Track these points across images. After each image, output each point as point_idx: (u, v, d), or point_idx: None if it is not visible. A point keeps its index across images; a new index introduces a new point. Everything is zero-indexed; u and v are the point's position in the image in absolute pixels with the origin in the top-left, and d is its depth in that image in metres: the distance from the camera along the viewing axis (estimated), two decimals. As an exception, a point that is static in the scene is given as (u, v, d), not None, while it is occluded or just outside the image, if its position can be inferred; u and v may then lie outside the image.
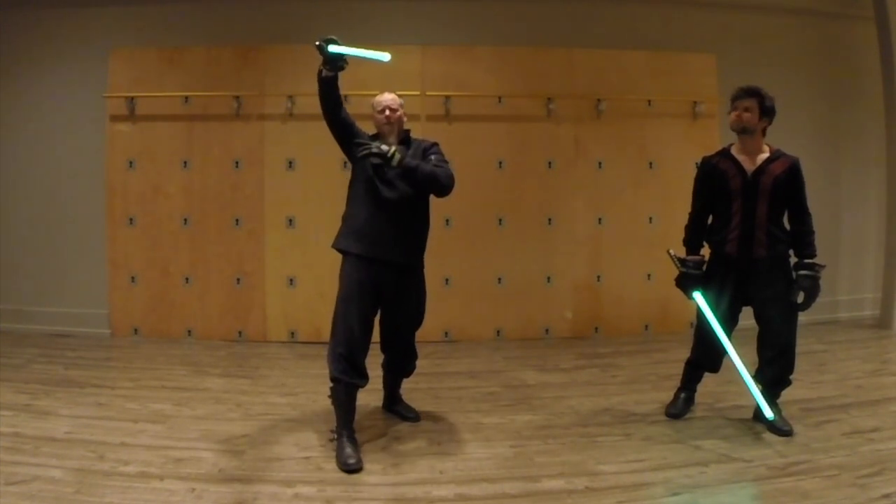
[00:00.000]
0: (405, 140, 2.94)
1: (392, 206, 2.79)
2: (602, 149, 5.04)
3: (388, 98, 2.96)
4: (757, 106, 2.90)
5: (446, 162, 2.92)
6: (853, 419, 3.12)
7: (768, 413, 2.92)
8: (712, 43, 5.16)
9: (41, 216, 5.00)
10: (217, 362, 4.27)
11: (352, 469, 2.58)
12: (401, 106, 2.96)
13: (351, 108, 4.66)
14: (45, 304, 4.98)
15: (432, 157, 2.90)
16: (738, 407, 3.28)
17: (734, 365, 2.93)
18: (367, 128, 3.03)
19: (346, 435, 2.71)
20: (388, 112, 2.91)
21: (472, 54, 4.96)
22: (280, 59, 4.83)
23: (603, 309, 5.09)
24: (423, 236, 2.96)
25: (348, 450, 2.66)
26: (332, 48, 2.65)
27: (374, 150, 2.64)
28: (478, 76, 4.93)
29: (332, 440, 2.80)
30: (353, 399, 2.77)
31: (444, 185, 2.81)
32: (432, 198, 2.93)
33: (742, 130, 2.95)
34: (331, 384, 2.76)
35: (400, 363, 3.14)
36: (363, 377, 2.77)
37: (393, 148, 2.69)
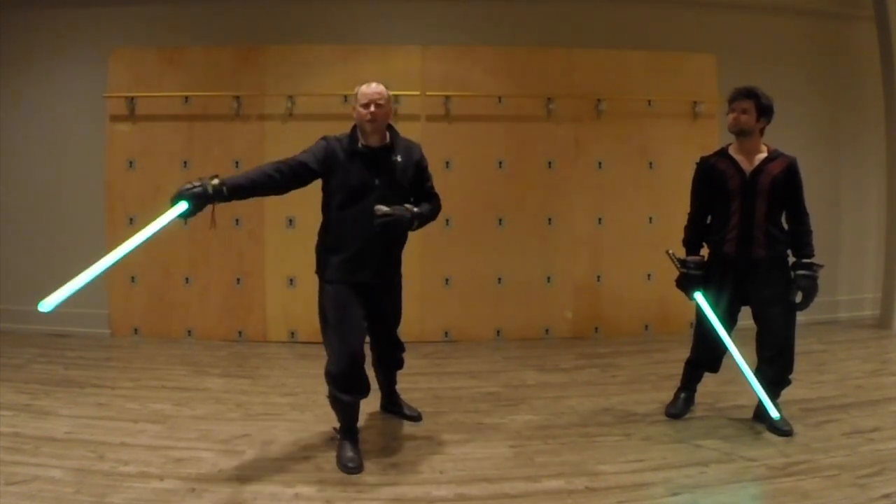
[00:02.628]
0: (391, 143, 2.73)
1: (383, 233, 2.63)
2: (602, 149, 5.04)
3: (374, 90, 2.63)
4: (754, 107, 2.90)
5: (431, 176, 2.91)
6: (853, 419, 3.13)
7: (774, 413, 2.91)
8: (712, 43, 5.16)
9: (41, 216, 4.99)
10: (217, 362, 4.27)
11: (351, 471, 2.58)
12: (388, 100, 2.69)
13: (350, 108, 4.67)
14: (45, 304, 4.97)
15: (427, 182, 2.86)
16: (738, 407, 3.28)
17: (738, 365, 2.93)
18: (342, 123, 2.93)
19: (349, 437, 2.71)
20: (373, 108, 2.60)
21: (472, 54, 4.96)
22: (280, 59, 4.83)
23: (603, 309, 5.09)
24: (402, 248, 2.90)
25: (349, 452, 2.65)
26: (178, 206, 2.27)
27: (394, 218, 2.54)
28: (478, 76, 4.93)
29: (333, 438, 2.80)
30: (356, 410, 2.73)
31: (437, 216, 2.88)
32: None
33: (740, 132, 2.95)
34: (329, 396, 2.71)
35: (390, 356, 3.10)
36: (365, 390, 2.71)
37: (408, 212, 2.60)
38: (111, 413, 3.23)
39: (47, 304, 1.97)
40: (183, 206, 2.24)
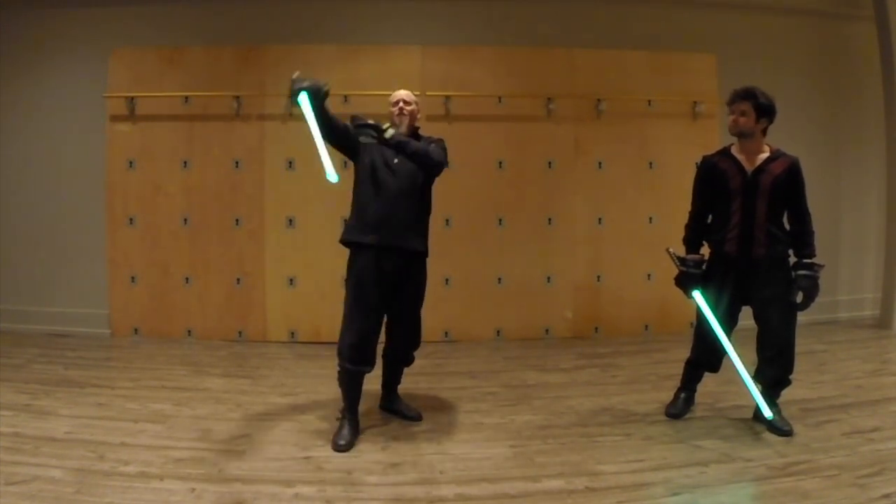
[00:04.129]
0: (415, 135, 3.06)
1: (398, 194, 2.89)
2: (602, 149, 5.04)
3: (402, 92, 3.11)
4: (752, 108, 2.89)
5: (444, 149, 3.05)
6: (853, 419, 3.12)
7: (767, 413, 2.93)
8: (712, 43, 5.16)
9: (41, 216, 4.99)
10: (217, 362, 4.27)
11: (339, 449, 2.75)
12: (415, 102, 3.09)
13: (351, 108, 4.69)
14: (45, 304, 4.98)
15: (431, 143, 3.05)
16: (738, 407, 3.28)
17: (734, 365, 2.93)
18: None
19: (348, 417, 2.88)
20: (401, 104, 3.04)
21: (472, 54, 4.96)
22: (280, 59, 4.83)
23: (603, 309, 5.09)
24: (427, 222, 3.06)
25: (344, 430, 2.83)
26: (302, 100, 2.71)
27: (370, 123, 2.87)
28: (478, 76, 4.93)
29: (338, 419, 2.94)
30: (358, 385, 2.92)
31: (434, 161, 2.95)
32: (433, 196, 3.04)
33: (740, 134, 2.95)
34: (339, 371, 2.90)
35: (403, 349, 3.13)
36: (370, 364, 2.90)
37: (387, 125, 2.91)
38: (111, 413, 3.23)
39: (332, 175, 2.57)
40: (305, 97, 2.71)
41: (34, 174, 4.98)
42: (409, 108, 3.04)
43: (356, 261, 2.92)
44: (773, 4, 5.33)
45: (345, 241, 2.95)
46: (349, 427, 2.86)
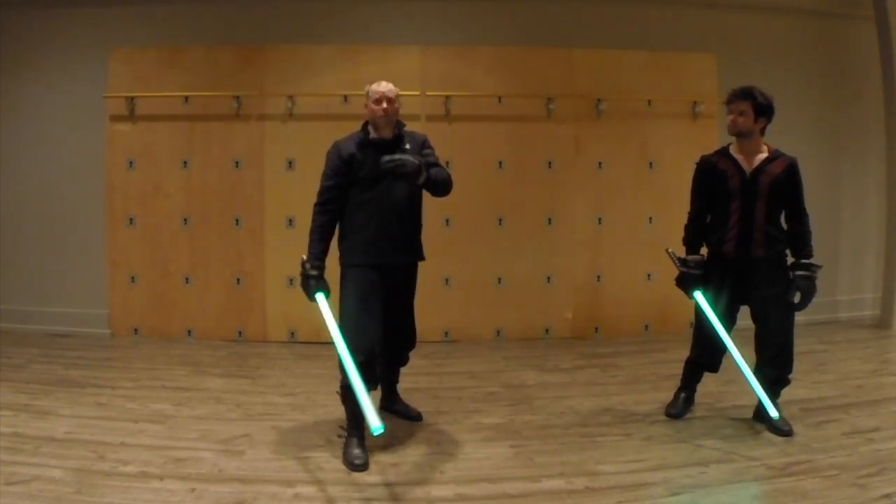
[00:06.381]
0: (400, 133, 2.91)
1: (399, 210, 2.83)
2: (602, 149, 5.04)
3: (385, 87, 2.84)
4: (751, 108, 2.89)
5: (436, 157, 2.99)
6: (853, 419, 3.13)
7: (773, 412, 2.91)
8: (712, 43, 5.16)
9: (41, 216, 5.00)
10: (217, 362, 4.27)
11: (358, 468, 2.59)
12: (397, 97, 2.88)
13: (350, 108, 4.68)
14: (45, 304, 4.98)
15: (431, 159, 2.92)
16: (739, 407, 3.28)
17: (738, 365, 2.92)
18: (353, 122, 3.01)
19: (356, 435, 2.72)
20: (385, 104, 2.81)
21: (472, 54, 4.96)
22: (280, 59, 4.84)
23: (603, 309, 5.09)
24: (420, 231, 3.02)
25: (357, 450, 2.67)
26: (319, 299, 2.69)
27: (401, 163, 2.59)
28: (478, 76, 4.93)
29: (340, 436, 2.82)
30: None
31: (450, 189, 2.92)
32: (428, 196, 2.97)
33: (738, 134, 2.95)
34: (341, 388, 2.72)
35: (401, 349, 3.11)
36: (377, 382, 2.81)
37: (417, 161, 2.67)
38: (111, 413, 3.23)
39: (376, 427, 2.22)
40: (322, 296, 2.71)
41: (34, 174, 4.98)
42: (393, 107, 2.82)
43: (355, 279, 2.78)
44: (773, 4, 5.33)
45: (348, 265, 2.82)
46: (359, 444, 2.69)
